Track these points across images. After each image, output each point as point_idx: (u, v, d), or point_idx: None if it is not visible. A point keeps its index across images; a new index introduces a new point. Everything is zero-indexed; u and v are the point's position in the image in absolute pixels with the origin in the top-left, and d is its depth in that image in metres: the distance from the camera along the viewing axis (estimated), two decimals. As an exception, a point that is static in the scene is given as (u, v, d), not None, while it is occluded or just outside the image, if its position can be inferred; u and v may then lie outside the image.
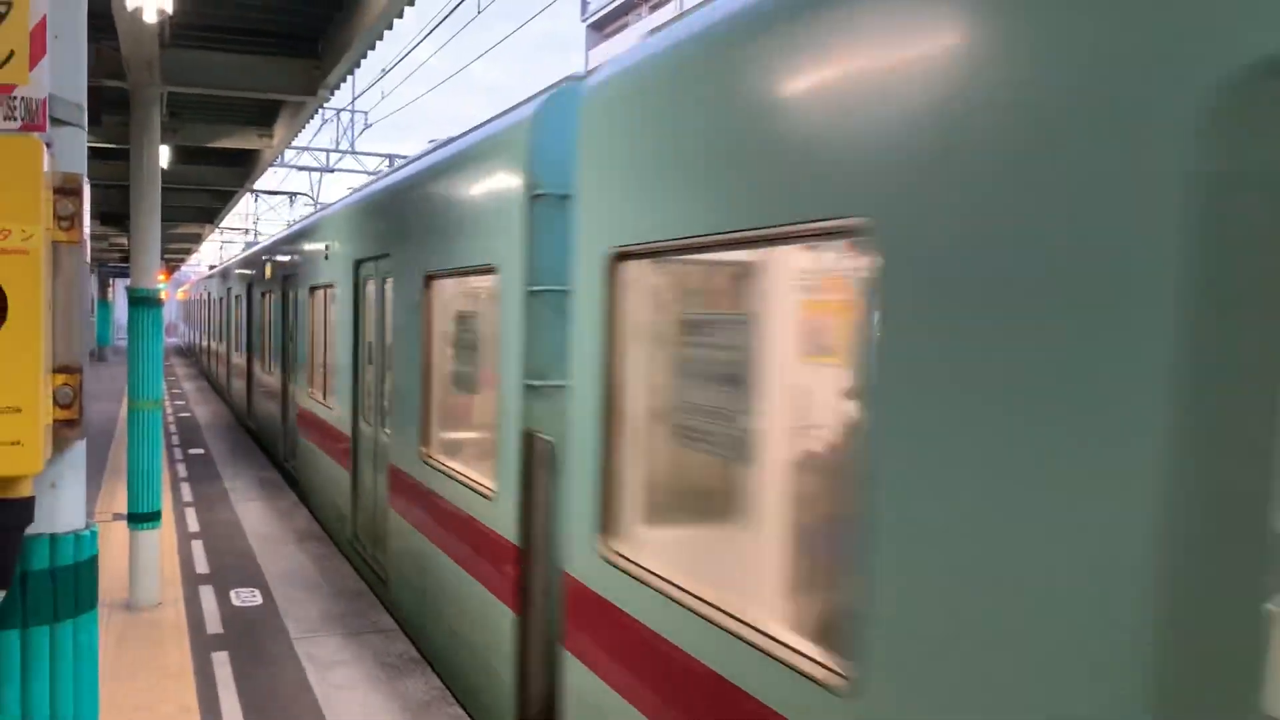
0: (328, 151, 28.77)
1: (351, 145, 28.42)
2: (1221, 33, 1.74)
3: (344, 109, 27.90)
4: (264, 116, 11.89)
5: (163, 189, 8.59)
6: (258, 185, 23.55)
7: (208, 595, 8.50)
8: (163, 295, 8.51)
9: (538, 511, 5.25)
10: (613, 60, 4.38)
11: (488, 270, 5.78)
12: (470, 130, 6.99)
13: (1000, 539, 2.11)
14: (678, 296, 4.09)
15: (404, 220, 7.83)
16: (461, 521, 6.22)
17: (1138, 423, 1.88)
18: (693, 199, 3.40)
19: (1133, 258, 1.90)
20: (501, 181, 5.63)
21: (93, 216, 18.51)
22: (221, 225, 34.83)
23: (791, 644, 2.77)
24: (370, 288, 8.99)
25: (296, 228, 14.40)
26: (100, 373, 32.93)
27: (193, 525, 11.16)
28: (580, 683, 4.27)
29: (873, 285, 2.51)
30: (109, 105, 10.51)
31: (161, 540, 8.76)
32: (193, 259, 52.27)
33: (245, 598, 8.45)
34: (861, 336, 2.57)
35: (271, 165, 15.60)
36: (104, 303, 45.61)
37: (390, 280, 8.13)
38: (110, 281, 48.85)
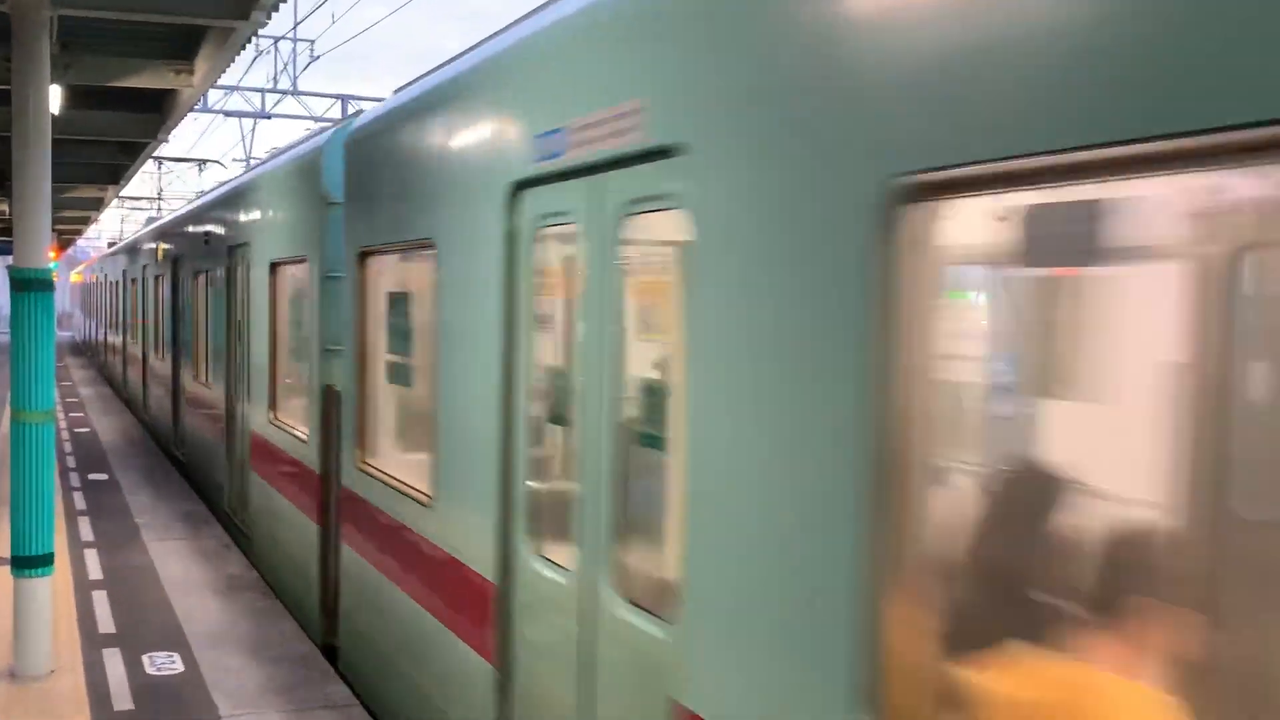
0: (263, 92, 28.87)
1: (293, 84, 28.51)
2: (510, 165, 5.32)
3: (284, 37, 28.00)
4: (182, 47, 11.91)
5: (53, 141, 8.60)
6: (161, 149, 23.71)
7: (114, 661, 8.53)
8: (53, 276, 8.54)
9: (332, 444, 8.92)
10: (368, 110, 8.33)
11: (303, 259, 9.80)
12: (290, 146, 11.94)
13: (471, 429, 5.74)
14: (391, 282, 7.75)
15: (257, 213, 11.92)
16: (290, 464, 10.18)
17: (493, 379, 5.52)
18: (387, 217, 7.24)
19: (490, 284, 5.47)
20: (306, 192, 9.76)
21: (-35, 177, 18.64)
22: (123, 194, 35.07)
23: (425, 492, 6.50)
24: (239, 272, 12.64)
25: (184, 211, 18.75)
26: (-25, 377, 33.19)
27: (94, 571, 11.22)
28: (348, 561, 8.13)
29: (437, 279, 6.24)
30: (-15, 34, 10.54)
31: (55, 590, 8.80)
32: (91, 231, 52.59)
33: (162, 664, 8.48)
34: (438, 310, 6.31)
35: (192, 110, 15.63)
36: (-21, 287, 45.97)
37: (252, 266, 11.91)
38: (-13, 260, 49.24)
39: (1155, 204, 2.73)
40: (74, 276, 63.95)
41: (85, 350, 49.92)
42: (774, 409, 3.44)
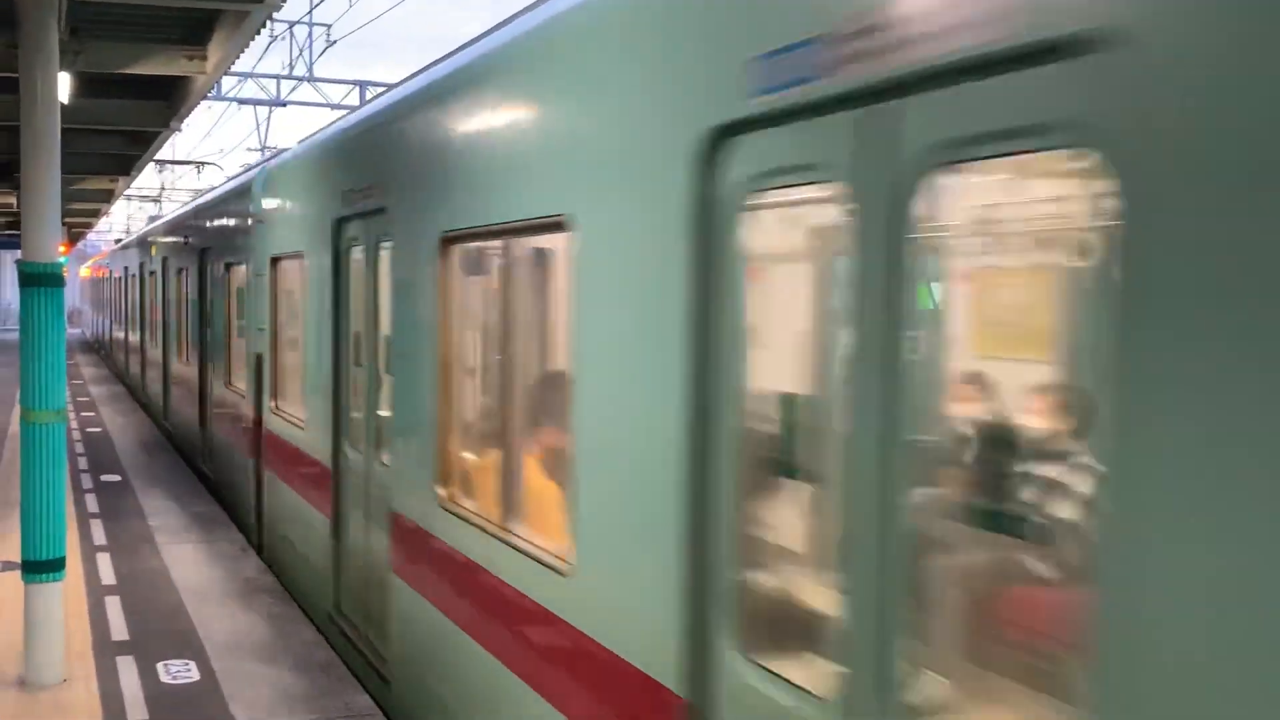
0: (279, 79, 29.00)
1: (309, 70, 28.64)
2: (336, 207, 9.25)
3: (299, 21, 28.12)
4: (195, 32, 11.96)
5: (62, 131, 8.64)
6: (162, 150, 24.11)
7: (128, 669, 8.58)
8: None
9: (260, 398, 12.28)
10: (281, 154, 12.87)
11: (243, 262, 13.59)
12: (231, 178, 17.41)
13: (320, 377, 9.70)
14: (289, 279, 11.13)
15: (215, 225, 16.32)
16: (236, 418, 13.97)
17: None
18: (281, 234, 11.37)
19: (327, 281, 9.42)
20: (243, 211, 13.57)
21: (-28, 169, 18.77)
22: (129, 191, 35.34)
23: (301, 420, 10.40)
24: (206, 270, 16.94)
25: (171, 217, 23.85)
26: (-16, 375, 33.47)
27: (107, 576, 11.28)
28: (267, 480, 11.99)
29: (305, 277, 10.27)
30: (-9, 21, 10.60)
31: (66, 596, 8.85)
32: (101, 224, 52.91)
33: (177, 672, 8.52)
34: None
35: (205, 98, 15.68)
36: (-12, 283, 46.37)
37: (212, 266, 16.34)
38: (-5, 255, 49.60)
39: (496, 251, 6.37)
40: (83, 271, 64.39)
41: (97, 349, 50.31)
42: (412, 345, 7.19)
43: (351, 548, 8.96)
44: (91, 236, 61.81)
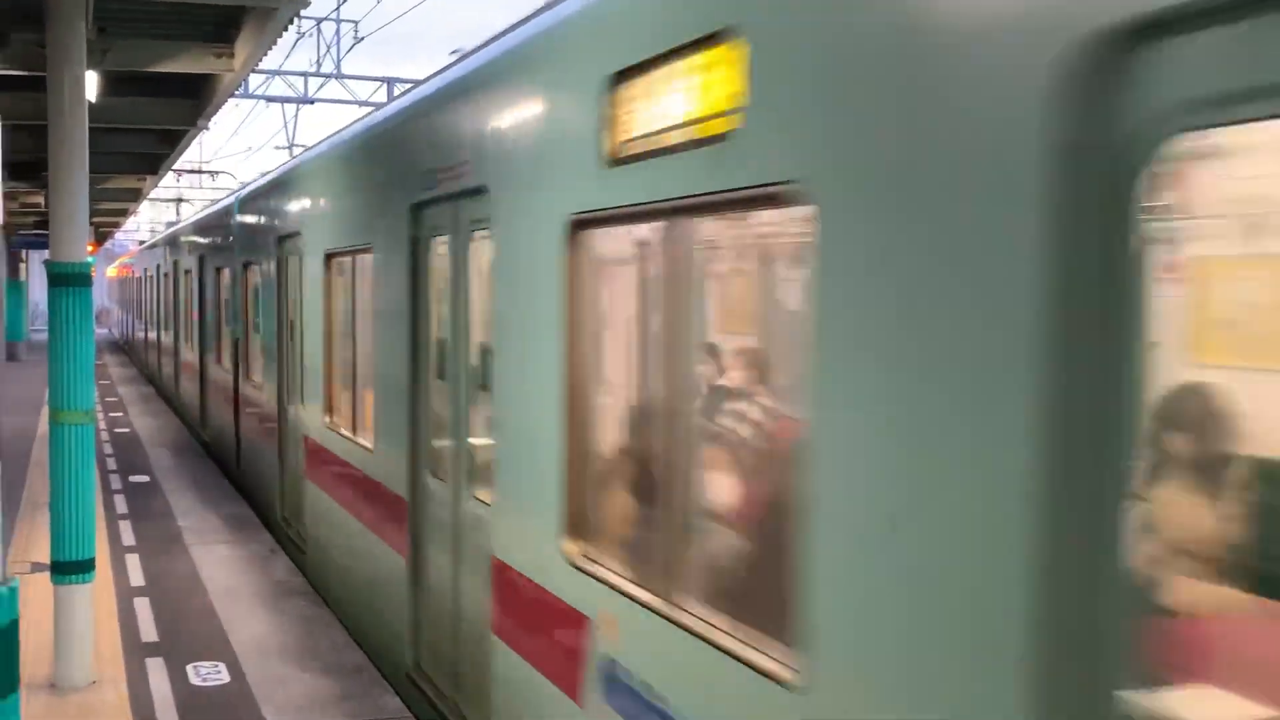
0: (306, 76, 29.15)
1: (337, 67, 28.76)
2: (279, 229, 14.17)
3: (326, 18, 28.24)
4: (222, 30, 12.01)
5: (90, 130, 8.70)
6: (186, 155, 24.65)
7: (157, 671, 8.65)
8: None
9: (237, 373, 17.12)
10: (252, 183, 17.77)
11: (229, 266, 18.12)
12: (217, 201, 22.34)
13: (269, 350, 14.59)
14: (254, 279, 15.76)
15: (208, 235, 20.75)
16: (225, 390, 18.36)
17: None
18: (247, 245, 16.19)
19: (274, 283, 14.09)
20: (227, 226, 18.39)
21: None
22: (153, 194, 35.72)
23: (259, 384, 15.19)
24: (204, 272, 21.10)
25: (180, 225, 27.93)
26: (11, 375, 33.76)
27: (136, 578, 11.38)
28: (242, 430, 17.04)
29: (261, 279, 15.33)
30: (18, 18, 10.70)
31: (96, 598, 8.92)
32: (129, 224, 53.35)
33: (207, 675, 8.58)
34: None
35: (233, 95, 15.78)
36: (15, 283, 46.73)
37: (206, 269, 20.73)
38: (22, 254, 49.96)
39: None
40: (110, 271, 64.89)
41: (122, 347, 50.71)
42: (314, 325, 11.12)
43: (288, 469, 12.87)
44: (119, 236, 62.29)
